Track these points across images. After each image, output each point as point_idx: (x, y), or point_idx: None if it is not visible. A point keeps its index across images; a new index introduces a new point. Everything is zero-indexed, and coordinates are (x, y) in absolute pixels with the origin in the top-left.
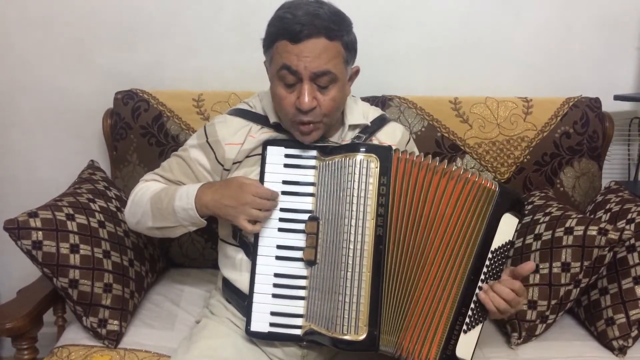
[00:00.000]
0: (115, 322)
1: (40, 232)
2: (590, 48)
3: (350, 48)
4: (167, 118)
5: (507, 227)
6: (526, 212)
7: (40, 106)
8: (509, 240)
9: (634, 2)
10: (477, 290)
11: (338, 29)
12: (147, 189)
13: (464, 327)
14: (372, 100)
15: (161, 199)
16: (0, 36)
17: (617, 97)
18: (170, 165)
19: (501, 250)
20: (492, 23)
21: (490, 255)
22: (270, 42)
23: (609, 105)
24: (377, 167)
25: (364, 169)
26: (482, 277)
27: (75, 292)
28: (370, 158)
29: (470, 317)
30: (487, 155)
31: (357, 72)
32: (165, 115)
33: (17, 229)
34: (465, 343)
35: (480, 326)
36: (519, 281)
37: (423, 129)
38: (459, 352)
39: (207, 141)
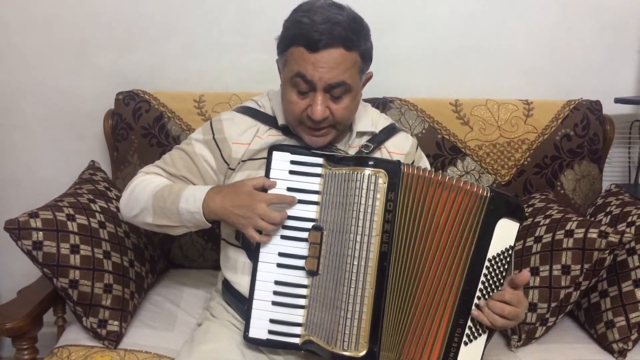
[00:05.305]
0: (115, 322)
1: (40, 233)
2: (591, 51)
3: (366, 57)
4: (168, 119)
5: (506, 232)
6: (526, 215)
7: (41, 107)
8: (510, 246)
9: (635, 6)
10: (475, 301)
11: (356, 38)
12: (148, 183)
13: (464, 338)
14: (373, 102)
15: (164, 197)
16: (1, 37)
17: (618, 100)
18: (173, 158)
19: (501, 257)
20: (493, 25)
21: (488, 264)
22: (285, 45)
23: (610, 108)
24: (385, 183)
25: (371, 184)
26: (481, 286)
27: (76, 293)
28: (378, 173)
29: (470, 328)
30: (488, 158)
31: (369, 77)
32: (167, 116)
33: (17, 229)
34: (468, 355)
35: (483, 337)
36: (516, 291)
37: (424, 131)
38: None
39: (213, 138)
